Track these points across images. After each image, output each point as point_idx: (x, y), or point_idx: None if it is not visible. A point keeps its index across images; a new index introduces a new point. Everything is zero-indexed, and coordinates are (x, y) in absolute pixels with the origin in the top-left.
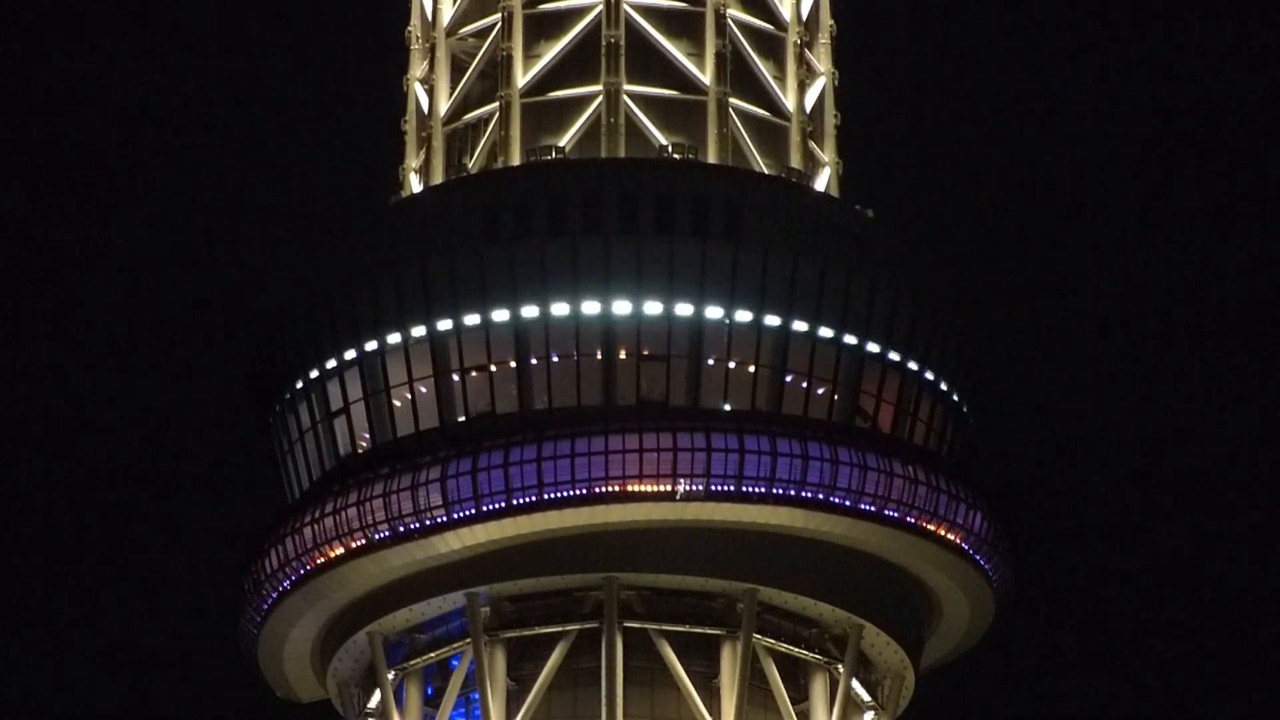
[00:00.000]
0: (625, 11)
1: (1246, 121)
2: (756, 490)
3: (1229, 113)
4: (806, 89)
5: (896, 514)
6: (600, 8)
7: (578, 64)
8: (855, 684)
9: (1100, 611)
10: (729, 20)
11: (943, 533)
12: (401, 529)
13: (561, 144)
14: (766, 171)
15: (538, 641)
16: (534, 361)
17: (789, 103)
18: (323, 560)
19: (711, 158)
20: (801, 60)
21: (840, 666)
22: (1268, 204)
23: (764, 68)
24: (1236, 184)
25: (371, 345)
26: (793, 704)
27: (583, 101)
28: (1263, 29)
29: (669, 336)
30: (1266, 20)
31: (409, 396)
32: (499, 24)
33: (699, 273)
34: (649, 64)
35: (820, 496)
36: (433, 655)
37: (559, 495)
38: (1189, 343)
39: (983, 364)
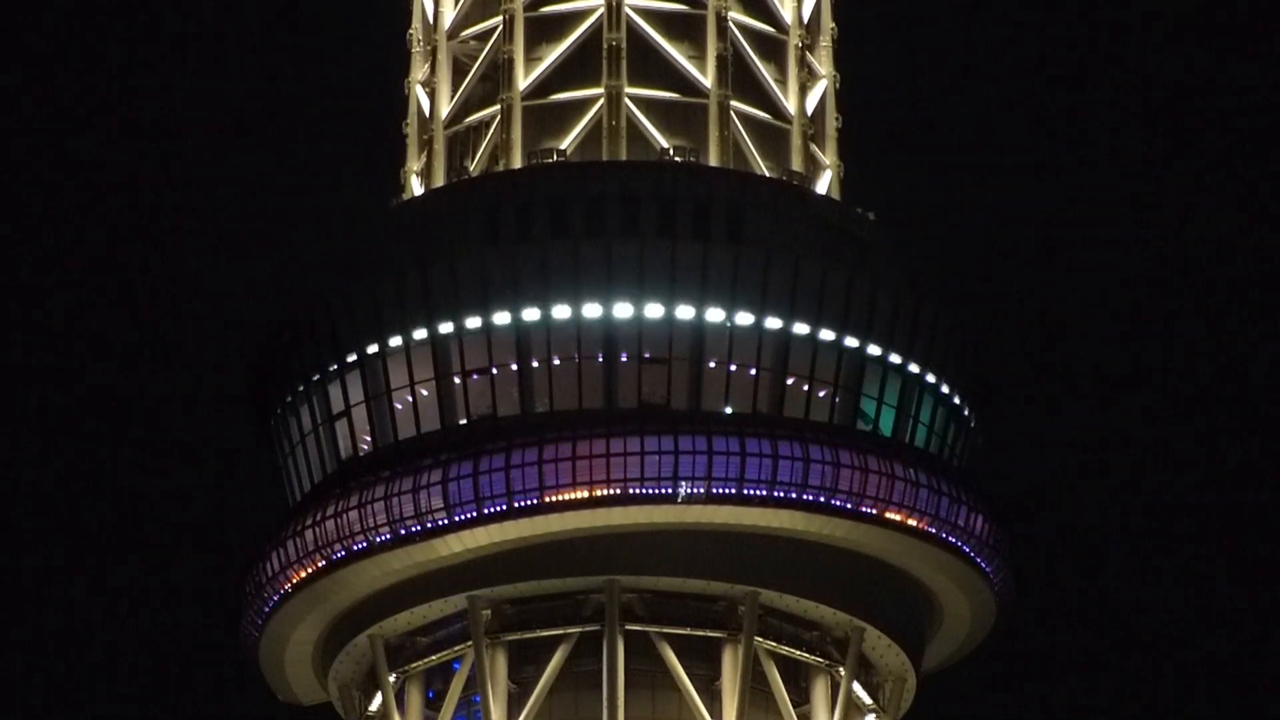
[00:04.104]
0: (626, 14)
1: (1247, 125)
2: (758, 493)
3: (1229, 114)
4: (808, 92)
5: (898, 517)
6: (601, 10)
7: (579, 67)
8: (856, 687)
9: (1101, 614)
10: (730, 23)
11: (944, 535)
12: (403, 531)
13: (563, 147)
14: (768, 174)
15: (539, 644)
16: (535, 364)
17: (790, 105)
18: (324, 563)
19: (713, 160)
20: (803, 63)
21: (842, 669)
22: (1267, 203)
23: (765, 70)
24: (1239, 184)
25: (373, 348)
26: (794, 707)
27: (584, 104)
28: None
29: (670, 339)
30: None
31: (410, 399)
32: (500, 27)
33: (700, 275)
34: (650, 67)
35: (822, 499)
36: (434, 658)
37: (560, 498)
38: (1192, 344)
39: (984, 366)
